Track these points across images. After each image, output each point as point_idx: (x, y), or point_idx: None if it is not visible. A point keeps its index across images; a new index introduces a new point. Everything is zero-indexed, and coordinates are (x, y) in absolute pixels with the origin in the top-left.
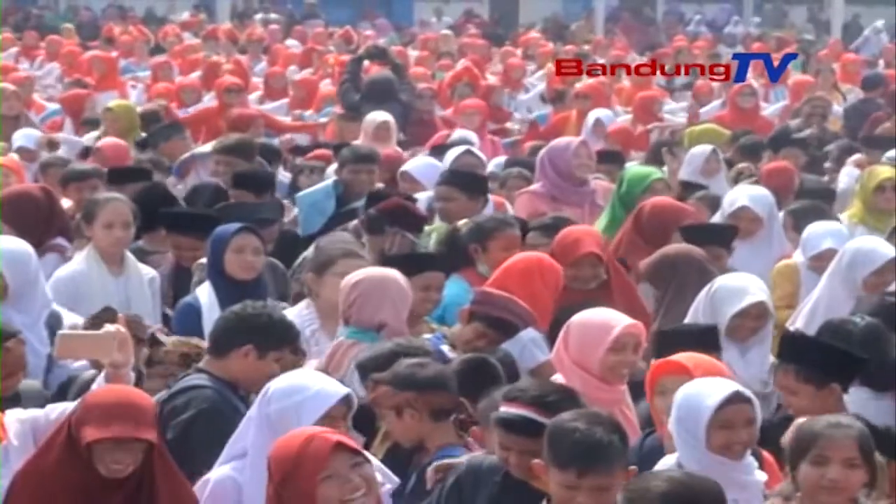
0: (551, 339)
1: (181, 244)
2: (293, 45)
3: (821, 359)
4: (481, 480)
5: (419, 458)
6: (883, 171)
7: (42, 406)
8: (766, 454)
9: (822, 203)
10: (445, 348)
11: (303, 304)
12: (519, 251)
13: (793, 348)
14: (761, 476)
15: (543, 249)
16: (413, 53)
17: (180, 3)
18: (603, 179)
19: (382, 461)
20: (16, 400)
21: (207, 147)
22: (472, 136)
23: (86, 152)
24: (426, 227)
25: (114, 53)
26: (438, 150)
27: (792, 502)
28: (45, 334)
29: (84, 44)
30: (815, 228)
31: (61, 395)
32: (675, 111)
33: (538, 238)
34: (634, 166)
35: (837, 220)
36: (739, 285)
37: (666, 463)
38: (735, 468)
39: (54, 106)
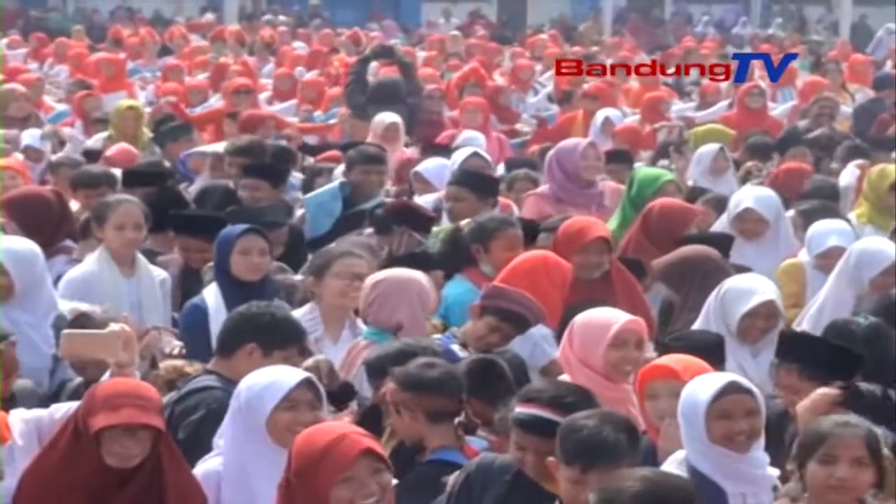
0: (561, 336)
1: (189, 246)
2: (300, 46)
3: (822, 357)
4: (491, 479)
5: (420, 458)
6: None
7: (38, 406)
8: None
9: (831, 203)
10: (456, 347)
11: (307, 307)
12: (521, 251)
13: (794, 347)
14: (773, 471)
15: None
16: (421, 54)
17: (188, 5)
18: (609, 179)
19: (388, 459)
20: (12, 401)
21: (212, 147)
22: (479, 136)
23: (88, 154)
24: (434, 228)
25: (121, 55)
26: (439, 149)
27: (800, 503)
28: (50, 334)
29: (93, 46)
30: (819, 227)
31: (56, 396)
32: (683, 111)
33: (549, 240)
34: (645, 168)
35: (847, 220)
36: (748, 286)
37: (675, 458)
38: (741, 460)
39: (63, 107)
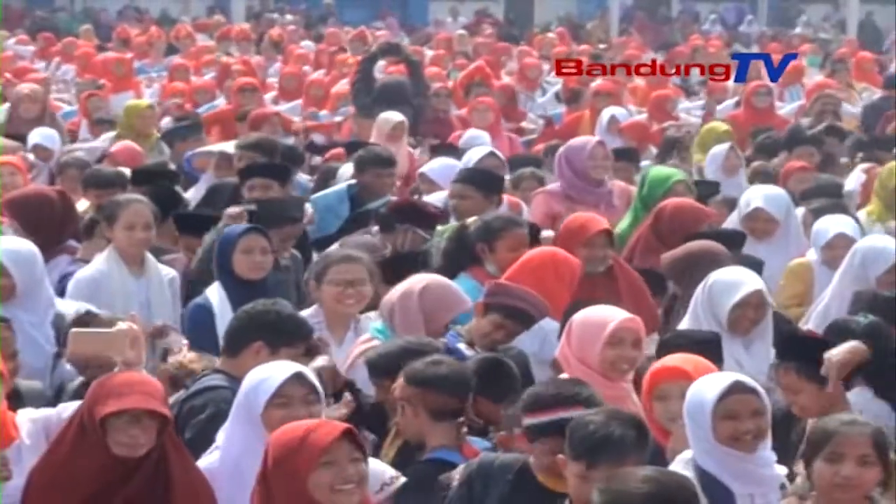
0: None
1: (194, 245)
2: (307, 46)
3: (821, 356)
4: (493, 479)
5: (419, 456)
6: None
7: (44, 406)
8: None
9: (841, 201)
10: (462, 346)
11: (312, 309)
12: (526, 251)
13: (793, 347)
14: (780, 469)
15: None
16: (428, 53)
17: (195, 5)
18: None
19: (394, 458)
20: (20, 401)
21: (218, 146)
22: (484, 135)
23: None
24: (439, 228)
25: (129, 55)
26: (447, 150)
27: (807, 501)
28: (51, 333)
29: (101, 45)
30: (823, 222)
31: (57, 396)
32: (690, 110)
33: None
34: (656, 167)
35: (856, 218)
36: (734, 277)
37: (682, 458)
38: (748, 460)
39: (70, 107)
